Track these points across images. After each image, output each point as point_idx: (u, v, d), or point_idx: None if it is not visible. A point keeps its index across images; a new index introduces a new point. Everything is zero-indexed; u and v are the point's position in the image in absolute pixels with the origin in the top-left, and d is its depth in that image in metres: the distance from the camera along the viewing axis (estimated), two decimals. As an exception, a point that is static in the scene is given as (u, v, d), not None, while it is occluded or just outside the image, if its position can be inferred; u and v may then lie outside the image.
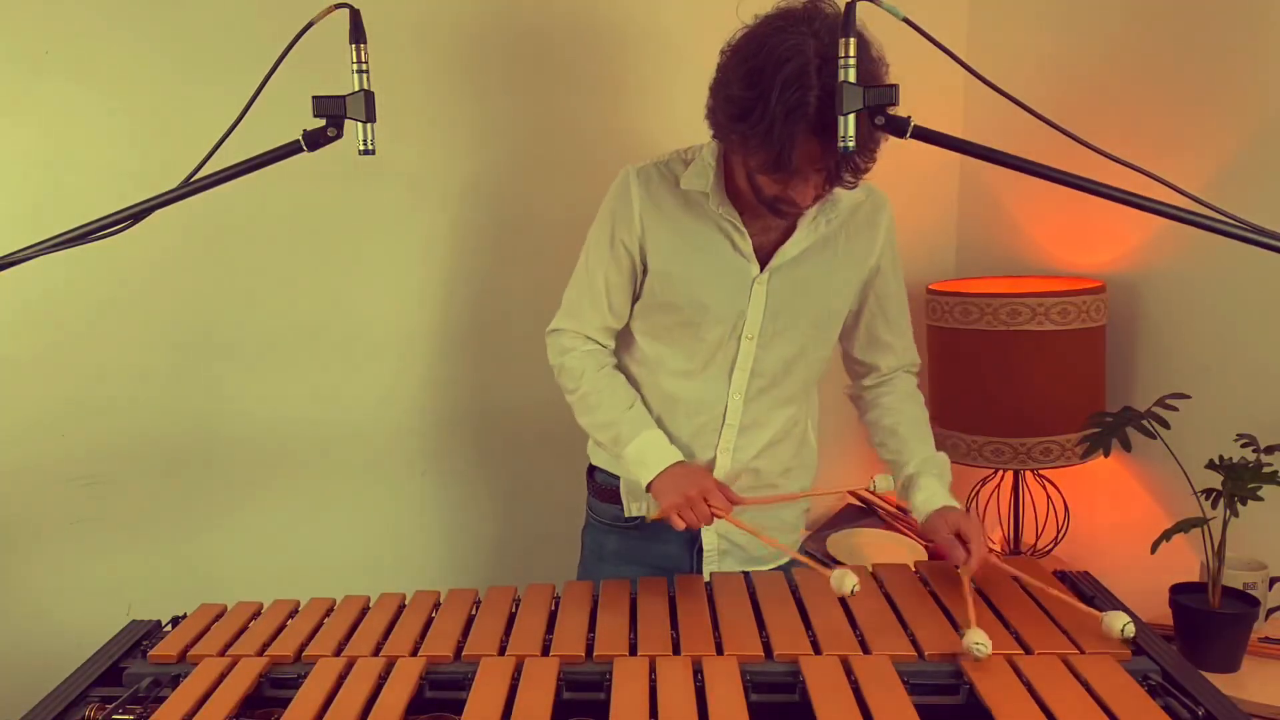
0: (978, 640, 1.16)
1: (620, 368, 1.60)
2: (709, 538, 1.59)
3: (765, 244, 1.49)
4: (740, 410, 1.52)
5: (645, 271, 1.51)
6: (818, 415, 1.68)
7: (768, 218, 1.45)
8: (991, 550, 2.20)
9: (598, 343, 1.58)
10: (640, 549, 1.61)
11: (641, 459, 1.47)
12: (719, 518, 1.40)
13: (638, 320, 1.57)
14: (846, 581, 1.25)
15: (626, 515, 1.60)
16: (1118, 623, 1.21)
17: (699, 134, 1.47)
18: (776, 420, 1.56)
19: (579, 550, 1.74)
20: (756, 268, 1.48)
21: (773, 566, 1.62)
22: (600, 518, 1.67)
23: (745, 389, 1.52)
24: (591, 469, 1.68)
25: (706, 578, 1.56)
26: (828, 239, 1.50)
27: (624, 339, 1.61)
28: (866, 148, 1.27)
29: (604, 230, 1.52)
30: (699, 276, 1.48)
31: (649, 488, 1.45)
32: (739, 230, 1.46)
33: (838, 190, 1.44)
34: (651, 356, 1.55)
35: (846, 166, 1.28)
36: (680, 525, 1.39)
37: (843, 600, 1.36)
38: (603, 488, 1.65)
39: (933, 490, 1.48)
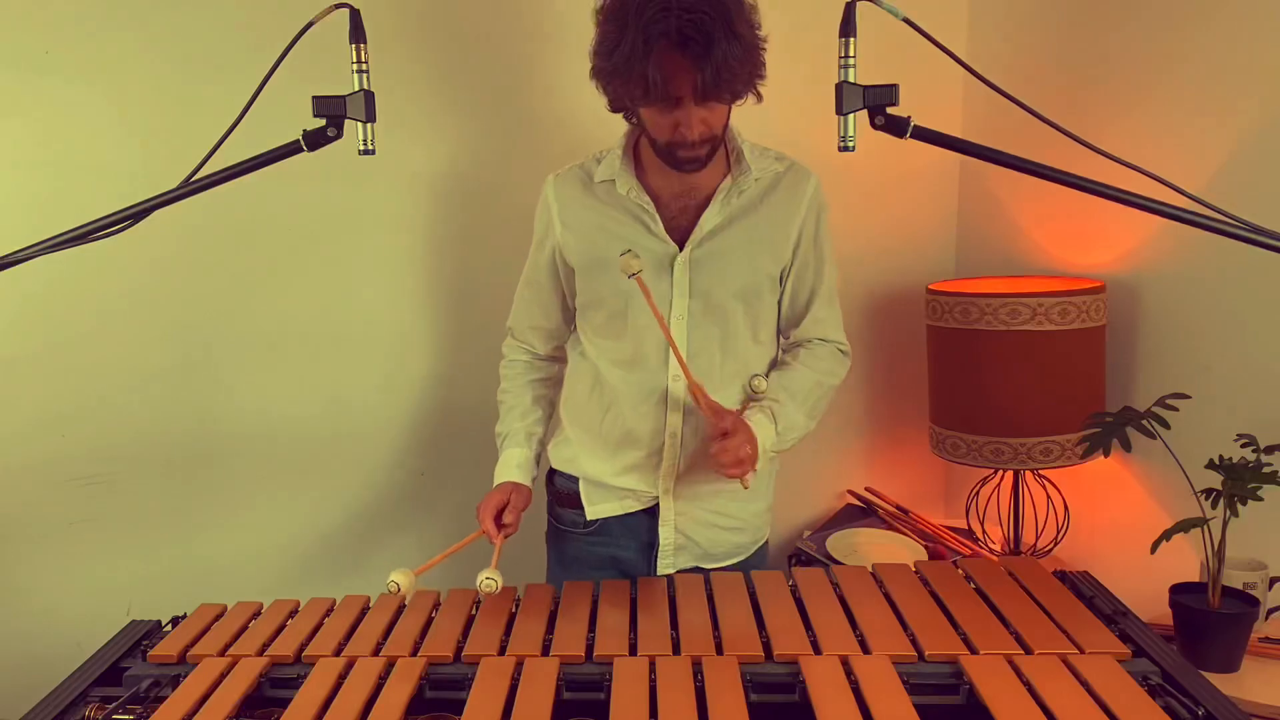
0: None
1: (570, 369, 1.65)
2: (665, 534, 1.58)
3: (684, 224, 1.51)
4: (682, 395, 1.52)
5: (572, 272, 1.56)
6: None
7: (683, 196, 1.48)
8: (993, 552, 2.22)
9: (530, 346, 1.67)
10: (596, 553, 1.62)
11: (496, 474, 1.58)
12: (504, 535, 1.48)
13: (580, 319, 1.61)
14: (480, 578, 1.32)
15: (588, 519, 1.61)
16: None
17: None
18: (724, 404, 1.55)
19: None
20: (674, 247, 1.50)
21: (730, 564, 1.63)
22: (560, 523, 1.67)
23: (684, 373, 1.52)
24: (551, 473, 1.68)
25: (662, 571, 1.59)
26: (745, 211, 1.51)
27: (574, 340, 1.65)
28: (738, 66, 1.28)
29: (534, 239, 1.61)
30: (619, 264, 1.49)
31: None
32: (649, 212, 1.49)
33: (753, 163, 1.49)
34: (594, 353, 1.58)
35: (717, 80, 1.28)
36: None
37: (842, 600, 1.36)
38: (562, 492, 1.65)
39: (756, 418, 1.46)
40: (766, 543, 1.72)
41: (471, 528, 2.23)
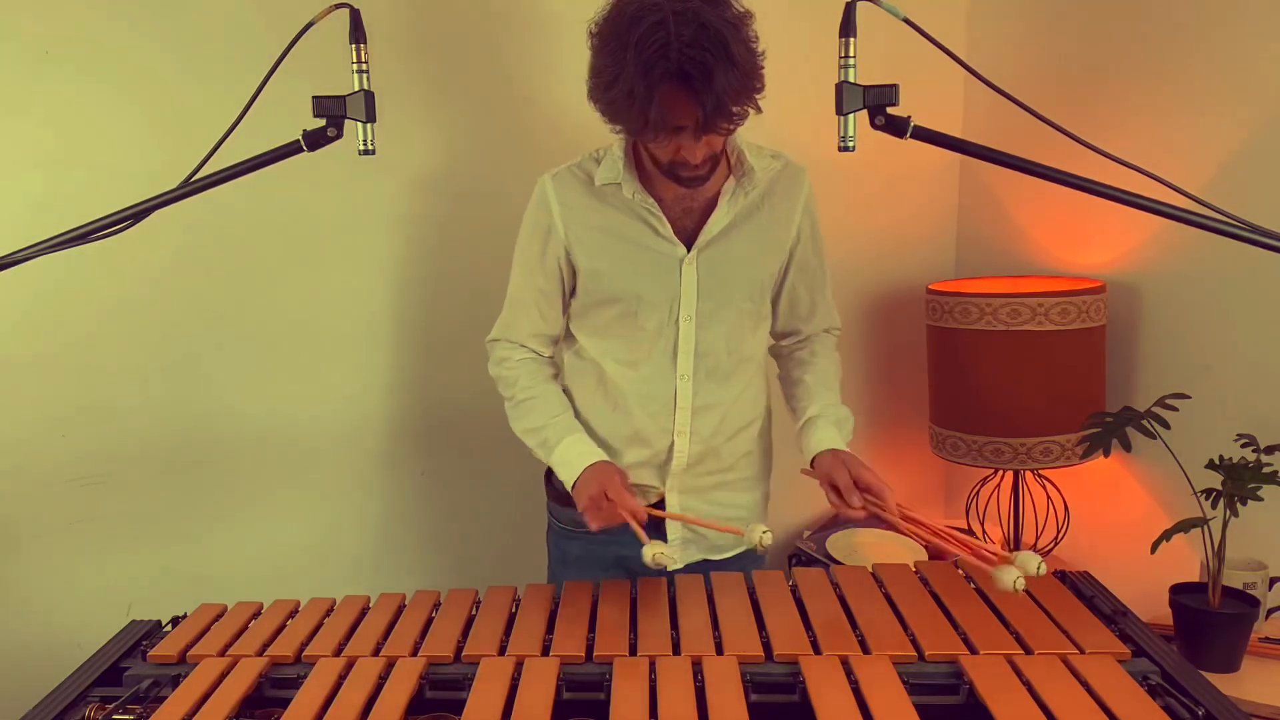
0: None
1: (567, 368, 1.63)
2: (672, 530, 1.58)
3: (689, 225, 1.51)
4: (690, 393, 1.53)
5: (575, 273, 1.54)
6: (769, 399, 1.69)
7: (687, 199, 1.48)
8: (992, 552, 2.21)
9: (534, 351, 1.61)
10: (602, 552, 1.61)
11: (566, 460, 1.50)
12: (632, 518, 1.38)
13: (577, 320, 1.59)
14: (756, 533, 1.28)
15: None
16: (1031, 563, 1.16)
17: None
18: (728, 398, 1.56)
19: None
20: (682, 249, 1.50)
21: (734, 554, 1.64)
22: (561, 522, 1.66)
23: (692, 371, 1.52)
24: (549, 473, 1.67)
25: (671, 567, 1.56)
26: (749, 212, 1.52)
27: (567, 339, 1.63)
28: (738, 94, 1.27)
29: (528, 241, 1.56)
30: (628, 267, 1.50)
31: (572, 488, 1.48)
32: (656, 215, 1.49)
33: (753, 163, 1.49)
34: (595, 353, 1.57)
35: (718, 113, 1.28)
36: (594, 526, 1.41)
37: (842, 600, 1.36)
38: (562, 492, 1.63)
39: (827, 433, 1.51)
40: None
41: (473, 525, 2.25)
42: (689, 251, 1.50)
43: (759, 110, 1.34)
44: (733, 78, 1.25)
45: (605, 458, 1.50)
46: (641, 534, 1.33)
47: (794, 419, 1.60)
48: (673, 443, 1.54)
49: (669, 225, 1.49)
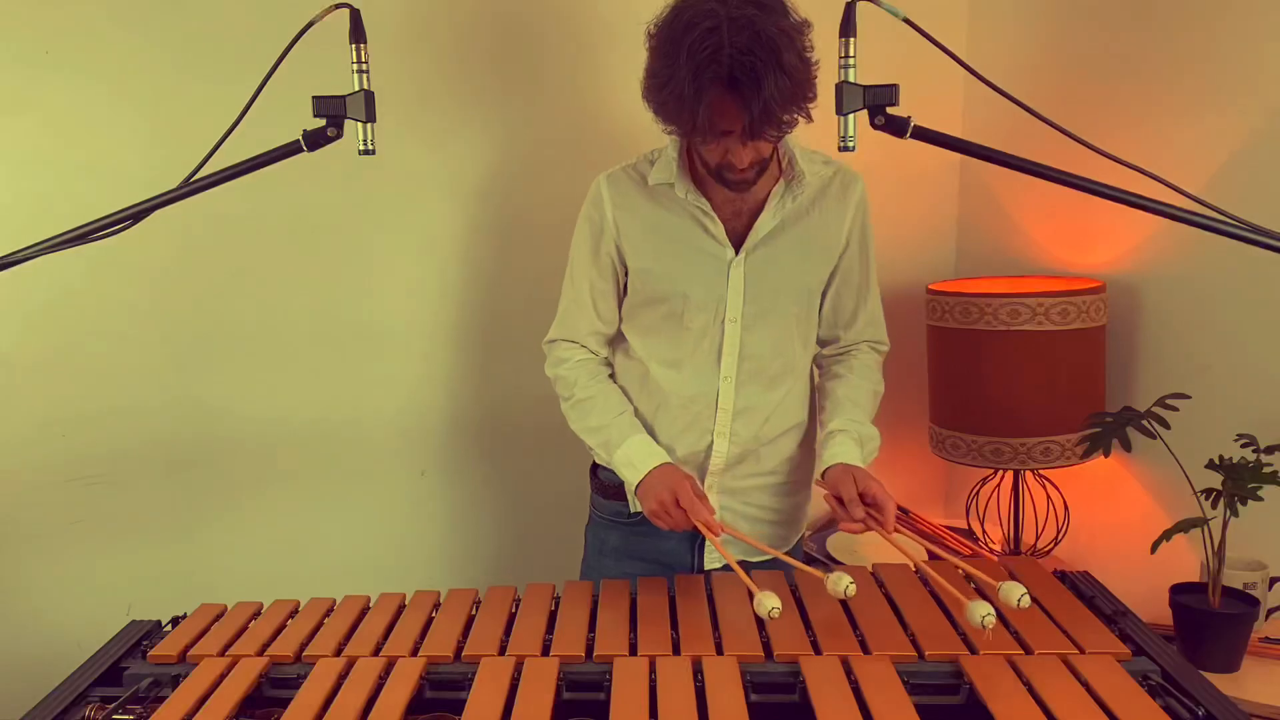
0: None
1: (615, 366, 1.63)
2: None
3: (738, 228, 1.52)
4: (733, 395, 1.54)
5: (626, 272, 1.55)
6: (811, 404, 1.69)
7: (737, 200, 1.49)
8: (993, 552, 2.21)
9: (591, 350, 1.62)
10: (642, 545, 1.62)
11: (629, 461, 1.50)
12: (706, 528, 1.39)
13: (627, 319, 1.60)
14: (841, 583, 1.26)
15: (632, 511, 1.61)
16: (1014, 594, 1.20)
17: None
18: (770, 403, 1.57)
19: (582, 547, 1.74)
20: (731, 251, 1.51)
21: (772, 557, 1.63)
22: (603, 514, 1.68)
23: (735, 374, 1.53)
24: (595, 466, 1.70)
25: (710, 565, 1.59)
26: (798, 216, 1.52)
27: (615, 337, 1.64)
28: (787, 102, 1.28)
29: (583, 240, 1.57)
30: (677, 267, 1.51)
31: (636, 490, 1.48)
32: (709, 215, 1.49)
33: (805, 167, 1.49)
34: (641, 351, 1.58)
35: (765, 120, 1.28)
36: (663, 526, 1.43)
37: (843, 600, 1.36)
38: (606, 485, 1.66)
39: (846, 448, 1.48)
40: (803, 536, 1.74)
41: (474, 525, 2.25)
42: (737, 254, 1.51)
43: (809, 119, 1.34)
44: (782, 85, 1.25)
45: (669, 459, 1.50)
46: (717, 544, 1.38)
47: (819, 430, 1.58)
48: (711, 443, 1.55)
49: (721, 226, 1.50)
